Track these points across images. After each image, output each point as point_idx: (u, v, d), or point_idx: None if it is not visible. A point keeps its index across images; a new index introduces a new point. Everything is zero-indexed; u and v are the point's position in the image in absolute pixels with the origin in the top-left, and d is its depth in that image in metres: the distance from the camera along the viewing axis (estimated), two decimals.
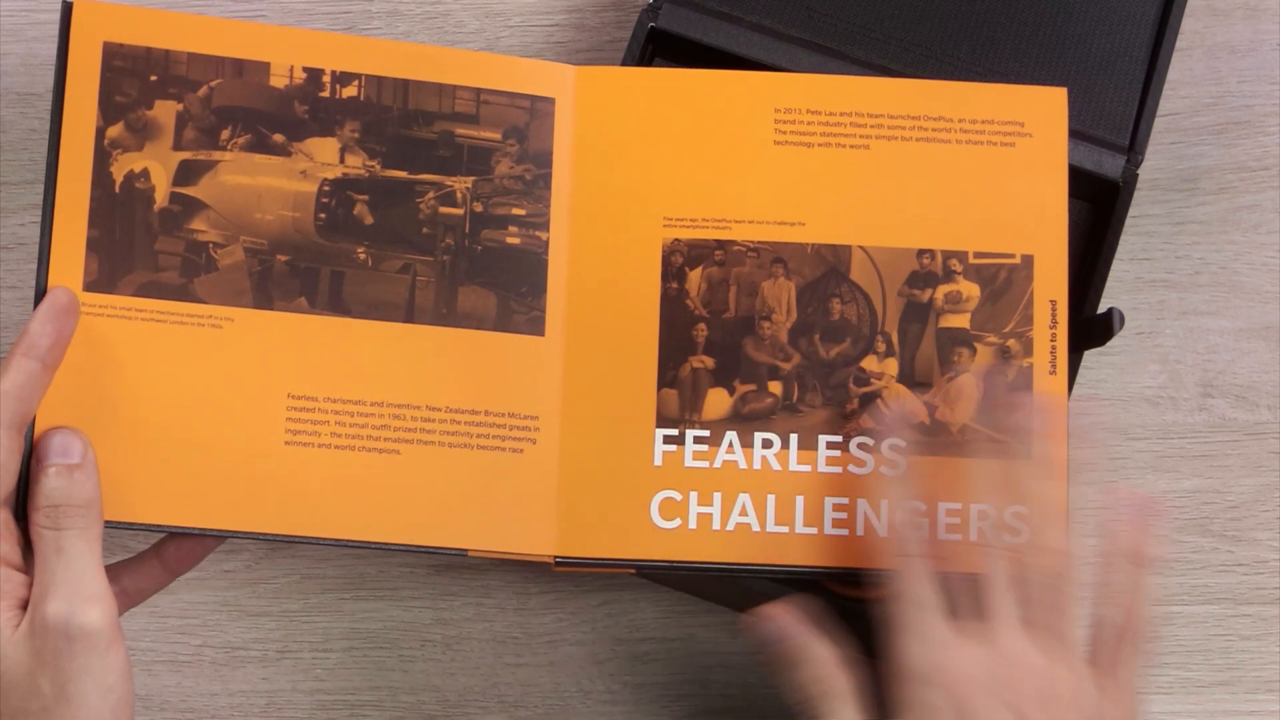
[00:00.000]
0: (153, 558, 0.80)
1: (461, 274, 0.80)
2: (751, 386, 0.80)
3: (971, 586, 0.75)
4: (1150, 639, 0.76)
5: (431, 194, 0.81)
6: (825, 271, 0.81)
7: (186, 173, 0.79)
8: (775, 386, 0.80)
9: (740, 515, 0.79)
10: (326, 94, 0.80)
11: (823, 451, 0.79)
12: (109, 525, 0.75)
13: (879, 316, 0.80)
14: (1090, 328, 0.82)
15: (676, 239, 0.81)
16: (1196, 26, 0.96)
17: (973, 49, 0.89)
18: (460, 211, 0.81)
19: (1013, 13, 0.89)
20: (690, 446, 0.79)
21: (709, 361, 0.80)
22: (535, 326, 0.80)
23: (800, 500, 0.79)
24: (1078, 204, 0.88)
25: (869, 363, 0.80)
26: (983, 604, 0.75)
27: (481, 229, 0.81)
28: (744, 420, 0.80)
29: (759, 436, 0.79)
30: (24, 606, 0.73)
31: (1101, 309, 0.85)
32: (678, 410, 0.80)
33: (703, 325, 0.80)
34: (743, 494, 0.79)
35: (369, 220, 0.80)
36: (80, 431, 0.75)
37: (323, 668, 0.91)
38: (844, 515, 0.79)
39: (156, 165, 0.79)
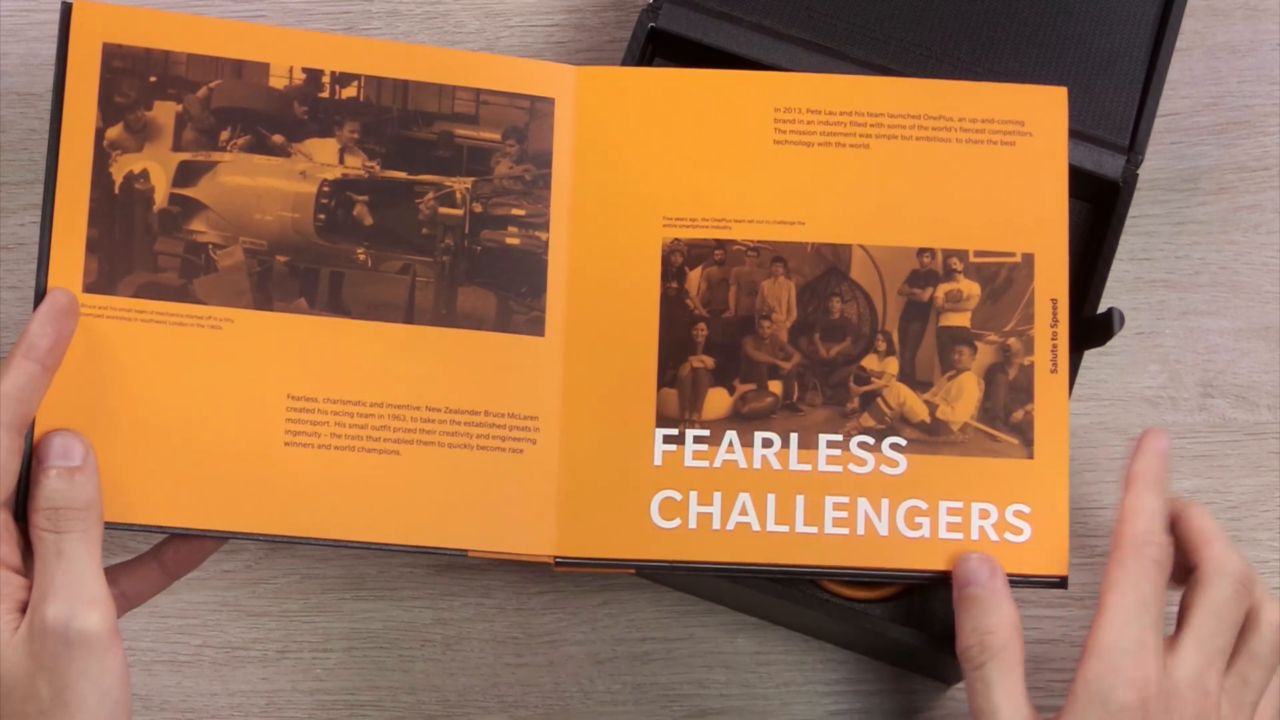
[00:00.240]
0: (152, 560, 0.80)
1: (461, 274, 0.80)
2: (751, 386, 0.80)
3: (1191, 600, 0.76)
4: None
5: (431, 194, 0.81)
6: (825, 270, 0.81)
7: (186, 173, 0.79)
8: (775, 386, 0.80)
9: (740, 515, 0.79)
10: (326, 95, 0.80)
11: (823, 450, 0.79)
12: (109, 527, 0.75)
13: (879, 315, 0.80)
14: (1090, 328, 0.82)
15: (676, 239, 0.81)
16: (1196, 26, 0.96)
17: (973, 49, 0.89)
18: (460, 212, 0.81)
19: (1013, 13, 0.89)
20: (690, 446, 0.79)
21: (709, 361, 0.80)
22: (535, 327, 0.80)
23: (800, 499, 0.79)
24: (1078, 204, 0.88)
25: (869, 361, 0.80)
26: (1198, 625, 0.75)
27: (481, 229, 0.81)
28: (744, 420, 0.80)
29: (759, 436, 0.79)
30: (23, 609, 0.73)
31: (1101, 309, 0.85)
32: (678, 410, 0.80)
33: (702, 325, 0.80)
34: (743, 493, 0.79)
35: (368, 221, 0.80)
36: (81, 434, 0.75)
37: (323, 668, 0.91)
38: (845, 514, 0.79)
39: (156, 166, 0.79)
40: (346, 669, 0.91)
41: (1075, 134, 0.86)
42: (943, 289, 0.80)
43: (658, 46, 0.90)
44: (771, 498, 0.79)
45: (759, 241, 0.81)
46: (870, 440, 0.79)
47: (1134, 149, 0.88)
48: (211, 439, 0.77)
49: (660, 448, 0.79)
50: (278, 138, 0.80)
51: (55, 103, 0.78)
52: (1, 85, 0.95)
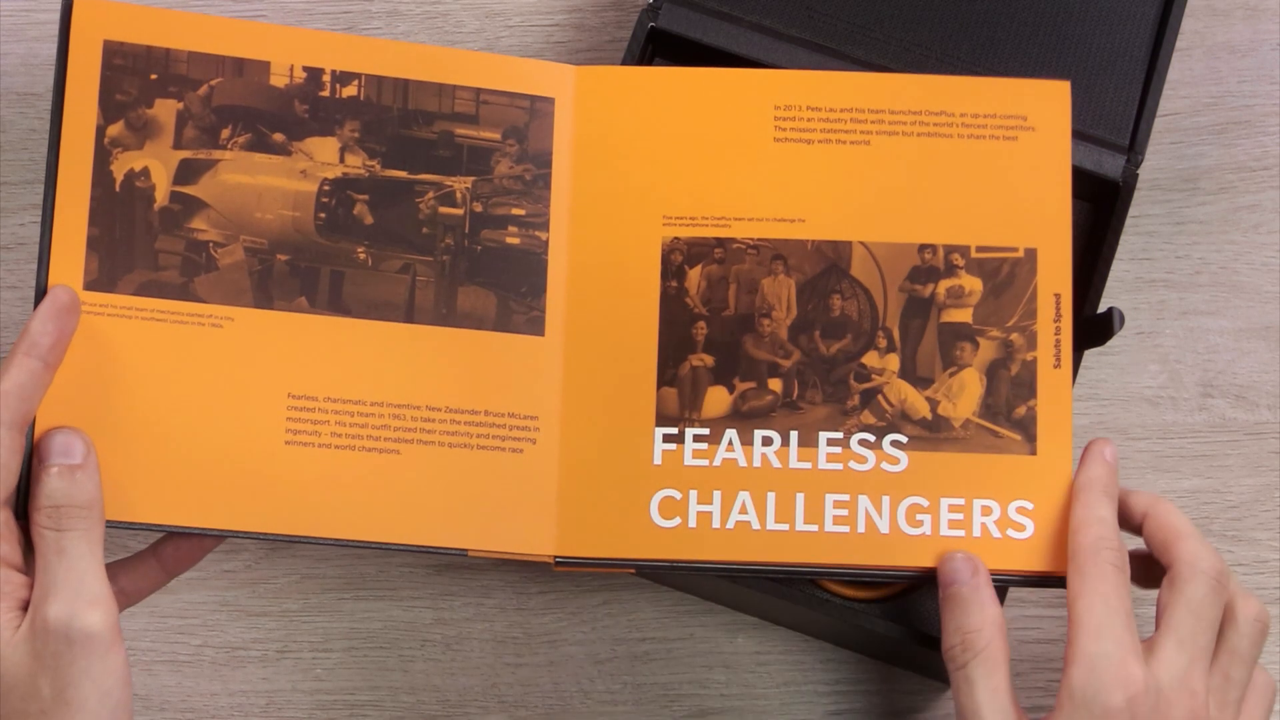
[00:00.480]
0: (150, 558, 0.80)
1: (461, 274, 0.80)
2: (751, 384, 0.80)
3: (1168, 600, 0.76)
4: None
5: (431, 194, 0.81)
6: (826, 268, 0.81)
7: (187, 172, 0.79)
8: (775, 384, 0.80)
9: (740, 513, 0.79)
10: (326, 93, 0.80)
11: (823, 448, 0.79)
12: (108, 525, 0.75)
13: (880, 312, 0.80)
14: (1090, 327, 0.82)
15: (676, 237, 0.81)
16: (1196, 26, 0.96)
17: (973, 49, 0.89)
18: (460, 211, 0.81)
19: (1013, 13, 0.89)
20: (690, 445, 0.79)
21: (709, 359, 0.80)
22: (535, 326, 0.80)
23: (801, 498, 0.79)
24: (1078, 204, 0.88)
25: (870, 358, 0.80)
26: (1177, 625, 0.75)
27: (481, 229, 0.81)
28: (744, 418, 0.80)
29: (759, 434, 0.79)
30: (24, 608, 0.73)
31: (1101, 309, 0.85)
32: (677, 409, 0.80)
33: (702, 323, 0.80)
34: (743, 492, 0.79)
35: (369, 220, 0.80)
36: (82, 432, 0.75)
37: (323, 668, 0.91)
38: (845, 512, 0.78)
39: (157, 164, 0.79)
40: (346, 669, 0.91)
41: (1075, 134, 0.86)
42: (944, 285, 0.80)
43: (658, 46, 0.90)
44: (771, 496, 0.79)
45: (759, 239, 0.81)
46: (871, 438, 0.79)
47: (1134, 149, 0.88)
48: (211, 437, 0.77)
49: (660, 447, 0.79)
50: (278, 136, 0.80)
51: (56, 101, 0.78)
52: (1, 85, 0.95)
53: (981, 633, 0.75)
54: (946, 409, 0.79)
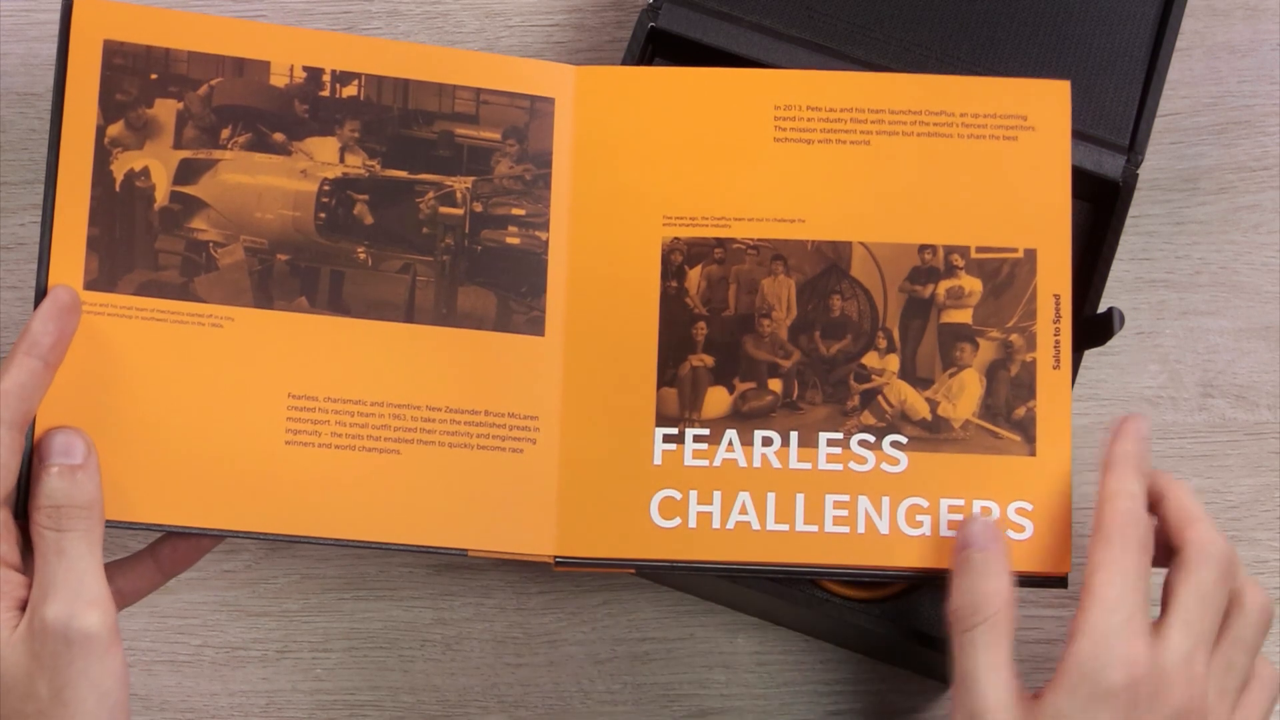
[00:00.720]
0: (148, 558, 0.80)
1: (461, 274, 0.80)
2: (751, 384, 0.80)
3: (1175, 583, 0.75)
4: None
5: (431, 194, 0.81)
6: (826, 268, 0.81)
7: (187, 171, 0.79)
8: (775, 384, 0.80)
9: (740, 514, 0.79)
10: (327, 93, 0.80)
11: (823, 449, 0.79)
12: (107, 525, 0.75)
13: (880, 312, 0.80)
14: (1090, 327, 0.82)
15: (676, 237, 0.81)
16: (1196, 26, 0.96)
17: (973, 49, 0.89)
18: (460, 211, 0.81)
19: (1013, 13, 0.89)
20: (690, 445, 0.79)
21: (709, 360, 0.80)
22: (535, 326, 0.80)
23: (801, 498, 0.79)
24: (1078, 204, 0.88)
25: (870, 359, 0.80)
26: (1184, 608, 0.74)
27: (481, 229, 0.81)
28: (744, 418, 0.80)
29: (759, 434, 0.79)
30: (22, 608, 0.72)
31: (1101, 309, 0.85)
32: (677, 409, 0.80)
33: (702, 324, 0.80)
34: (743, 493, 0.79)
35: (369, 220, 0.80)
36: (83, 432, 0.75)
37: (323, 668, 0.91)
38: (845, 513, 0.78)
39: (157, 164, 0.79)
40: (346, 669, 0.91)
41: (1075, 134, 0.85)
42: (944, 285, 0.80)
43: (658, 46, 0.90)
44: (771, 497, 0.79)
45: (759, 240, 0.81)
46: (871, 438, 0.79)
47: (1134, 149, 0.88)
48: (211, 437, 0.77)
49: (660, 447, 0.79)
50: (279, 136, 0.80)
51: (56, 100, 0.77)
52: (1, 85, 0.95)
53: (994, 598, 0.74)
54: (946, 410, 0.79)
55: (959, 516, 0.78)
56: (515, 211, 0.81)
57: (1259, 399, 0.93)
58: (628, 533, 0.79)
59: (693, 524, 0.79)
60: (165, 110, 0.79)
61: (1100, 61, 0.89)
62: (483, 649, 0.92)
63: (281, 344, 0.78)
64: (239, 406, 0.78)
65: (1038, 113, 0.81)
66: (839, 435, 0.79)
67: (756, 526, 0.78)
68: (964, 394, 0.79)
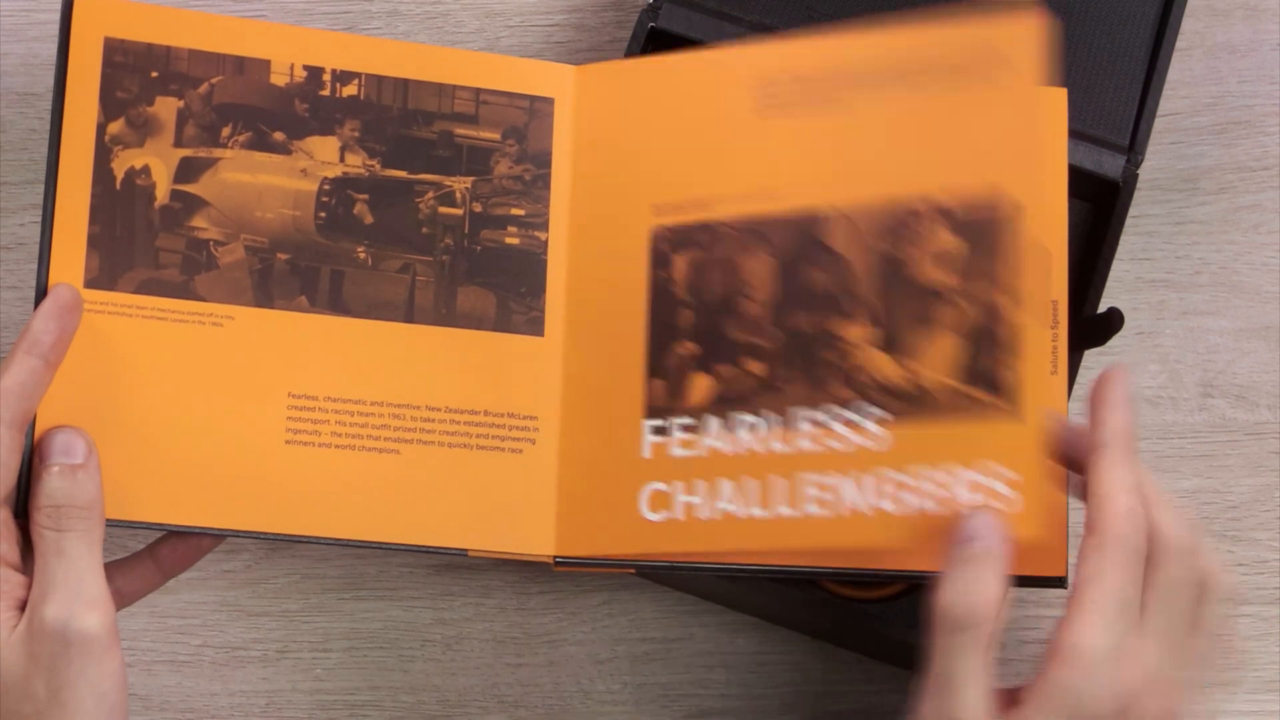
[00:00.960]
0: (147, 558, 0.80)
1: (461, 274, 0.80)
2: (733, 368, 0.79)
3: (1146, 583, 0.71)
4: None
5: (431, 194, 0.81)
6: (805, 242, 0.79)
7: (187, 170, 0.79)
8: (756, 366, 0.79)
9: (725, 502, 0.77)
10: (327, 93, 0.80)
11: (803, 429, 0.78)
12: (107, 524, 0.75)
13: (860, 281, 0.78)
14: (1090, 328, 0.82)
15: (663, 225, 0.80)
16: (1196, 26, 0.96)
17: None
18: (459, 212, 0.81)
19: None
20: (676, 435, 0.79)
21: (694, 348, 0.80)
22: (534, 327, 0.80)
23: (781, 483, 0.78)
24: (1078, 204, 0.88)
25: (849, 331, 0.78)
26: (1158, 614, 0.71)
27: (481, 229, 0.81)
28: (726, 404, 0.79)
29: (741, 418, 0.78)
30: (22, 607, 0.72)
31: (1101, 309, 0.85)
32: (665, 399, 0.79)
33: (689, 311, 0.80)
34: (726, 481, 0.78)
35: (369, 220, 0.80)
36: (84, 431, 0.75)
37: (323, 668, 0.91)
38: (828, 495, 0.77)
39: (157, 162, 0.79)
40: (346, 669, 0.91)
41: (1075, 134, 0.86)
42: (924, 248, 0.78)
43: (658, 46, 0.90)
44: (755, 483, 0.78)
45: (739, 218, 0.80)
46: (851, 415, 0.77)
47: (1134, 149, 0.88)
48: (211, 436, 0.77)
49: (648, 439, 0.79)
50: (279, 135, 0.80)
51: (56, 98, 0.77)
52: (1, 85, 0.95)
53: (991, 603, 0.70)
54: (927, 378, 0.77)
55: (945, 493, 0.76)
56: (515, 211, 0.81)
57: (1259, 399, 0.93)
58: (622, 529, 0.78)
59: (680, 515, 0.78)
60: (166, 108, 0.79)
61: (1100, 61, 0.89)
62: (483, 649, 0.92)
63: (282, 343, 0.78)
64: (239, 406, 0.78)
65: (1015, 52, 0.77)
66: (818, 414, 0.78)
67: (741, 514, 0.77)
68: (944, 359, 0.77)
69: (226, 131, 0.79)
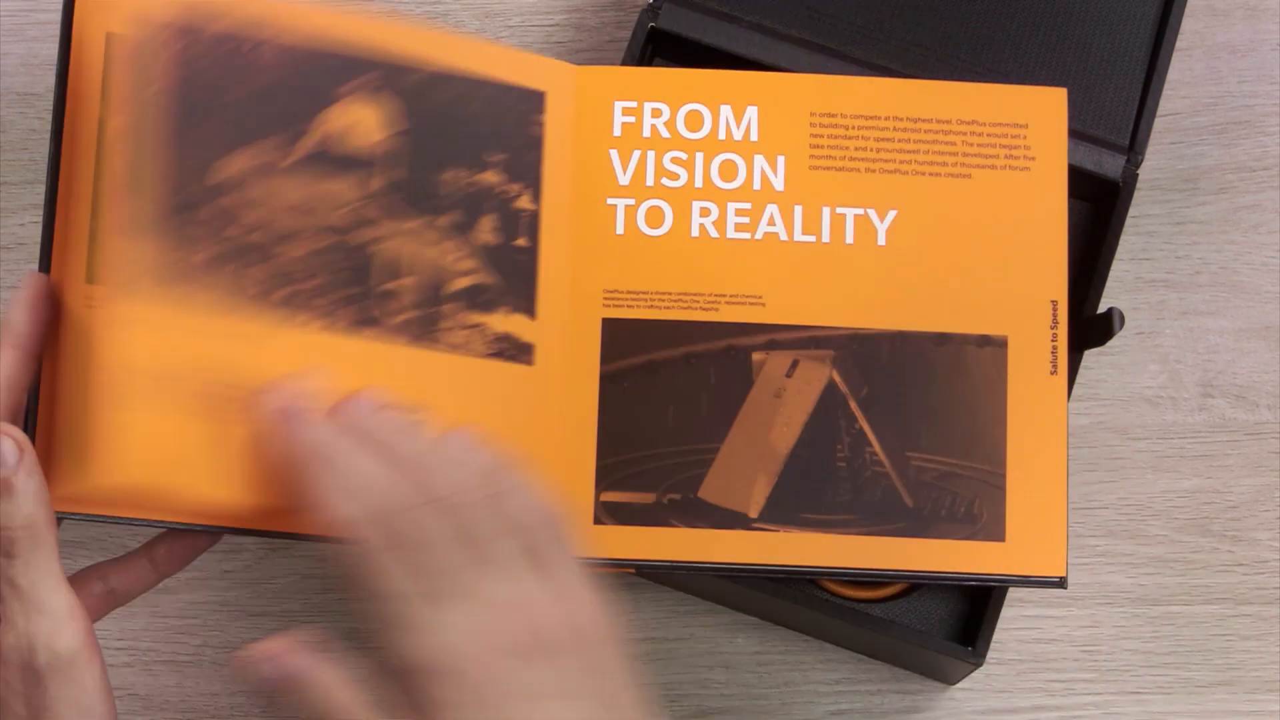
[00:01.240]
0: (143, 557, 0.78)
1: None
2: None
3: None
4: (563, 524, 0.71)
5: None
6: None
7: None
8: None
9: None
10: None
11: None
12: (106, 520, 0.74)
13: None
14: (1090, 328, 0.81)
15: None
16: (1196, 26, 0.96)
17: (973, 49, 0.89)
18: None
19: (1013, 13, 0.89)
20: None
21: None
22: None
23: None
24: (1078, 204, 0.88)
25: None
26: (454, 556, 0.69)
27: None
28: None
29: None
30: None
31: (1101, 309, 0.85)
32: None
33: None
34: None
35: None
36: (12, 427, 0.70)
37: None
38: None
39: None
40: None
41: (1075, 134, 0.86)
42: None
43: (658, 46, 0.90)
44: None
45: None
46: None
47: (1134, 149, 0.88)
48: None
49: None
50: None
51: (58, 95, 0.77)
52: (1, 85, 0.95)
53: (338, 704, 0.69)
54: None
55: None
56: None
57: (1259, 399, 0.93)
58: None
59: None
60: None
61: (1100, 61, 0.89)
62: None
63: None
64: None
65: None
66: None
67: None
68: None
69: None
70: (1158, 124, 0.91)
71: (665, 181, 0.80)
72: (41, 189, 0.77)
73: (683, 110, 0.81)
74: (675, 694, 0.91)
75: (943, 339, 0.80)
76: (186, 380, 0.73)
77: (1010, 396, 0.79)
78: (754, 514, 0.78)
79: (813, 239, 0.80)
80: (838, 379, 0.79)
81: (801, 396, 0.79)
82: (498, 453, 0.71)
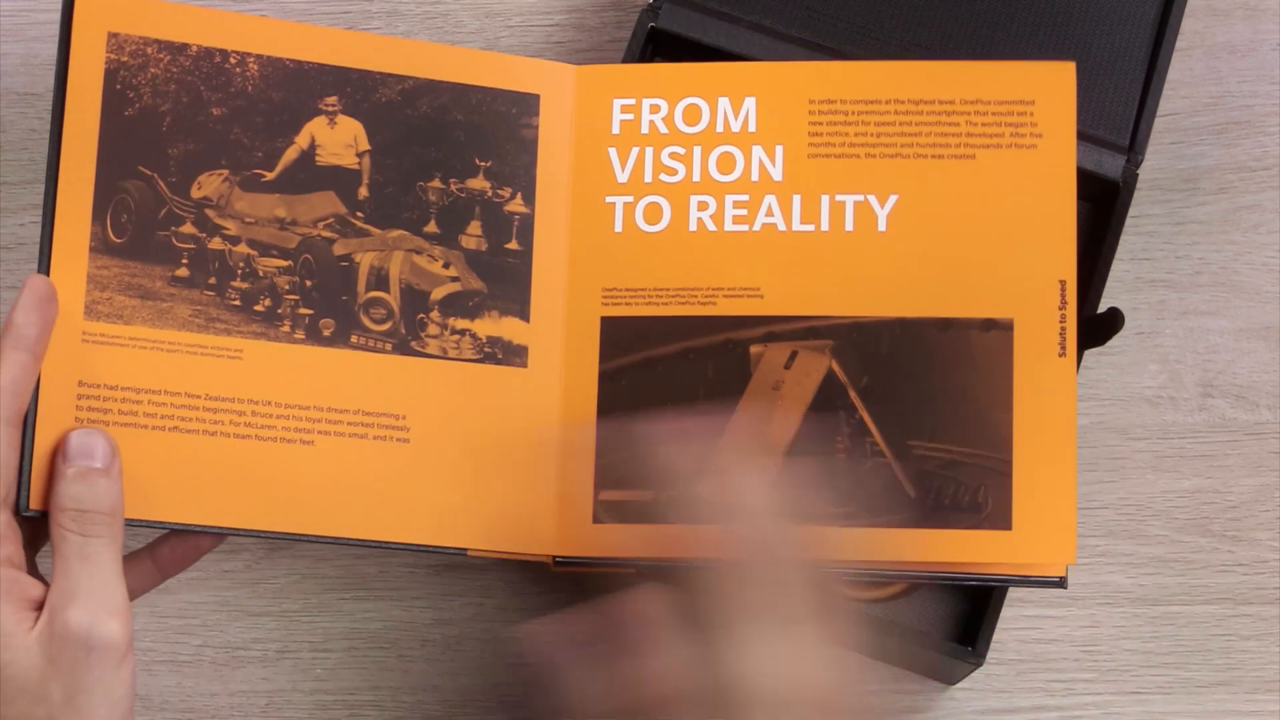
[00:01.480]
0: (146, 558, 0.79)
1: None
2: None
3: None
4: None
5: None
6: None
7: None
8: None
9: None
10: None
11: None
12: None
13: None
14: (1091, 327, 0.81)
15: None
16: (1196, 26, 0.96)
17: (973, 49, 0.89)
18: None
19: (1012, 13, 0.89)
20: None
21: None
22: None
23: None
24: (1078, 204, 0.88)
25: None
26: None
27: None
28: None
29: None
30: (35, 608, 0.72)
31: (1102, 309, 0.85)
32: None
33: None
34: None
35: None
36: (106, 433, 0.75)
37: (323, 668, 0.91)
38: None
39: None
40: (346, 669, 0.91)
41: (1075, 134, 0.86)
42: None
43: (658, 46, 0.90)
44: None
45: None
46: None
47: (1134, 149, 0.88)
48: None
49: None
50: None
51: (57, 95, 0.77)
52: (1, 85, 0.95)
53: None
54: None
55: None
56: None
57: (1259, 399, 0.93)
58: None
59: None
60: None
61: (1100, 61, 0.89)
62: (483, 649, 0.91)
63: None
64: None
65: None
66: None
67: None
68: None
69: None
70: (1158, 124, 0.91)
71: (663, 177, 0.80)
72: (41, 189, 0.77)
73: (681, 104, 0.81)
74: None
75: (946, 324, 0.79)
76: (167, 394, 0.75)
77: (1016, 380, 0.78)
78: None
79: (811, 228, 0.79)
80: (837, 369, 0.79)
81: (800, 388, 0.79)
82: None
